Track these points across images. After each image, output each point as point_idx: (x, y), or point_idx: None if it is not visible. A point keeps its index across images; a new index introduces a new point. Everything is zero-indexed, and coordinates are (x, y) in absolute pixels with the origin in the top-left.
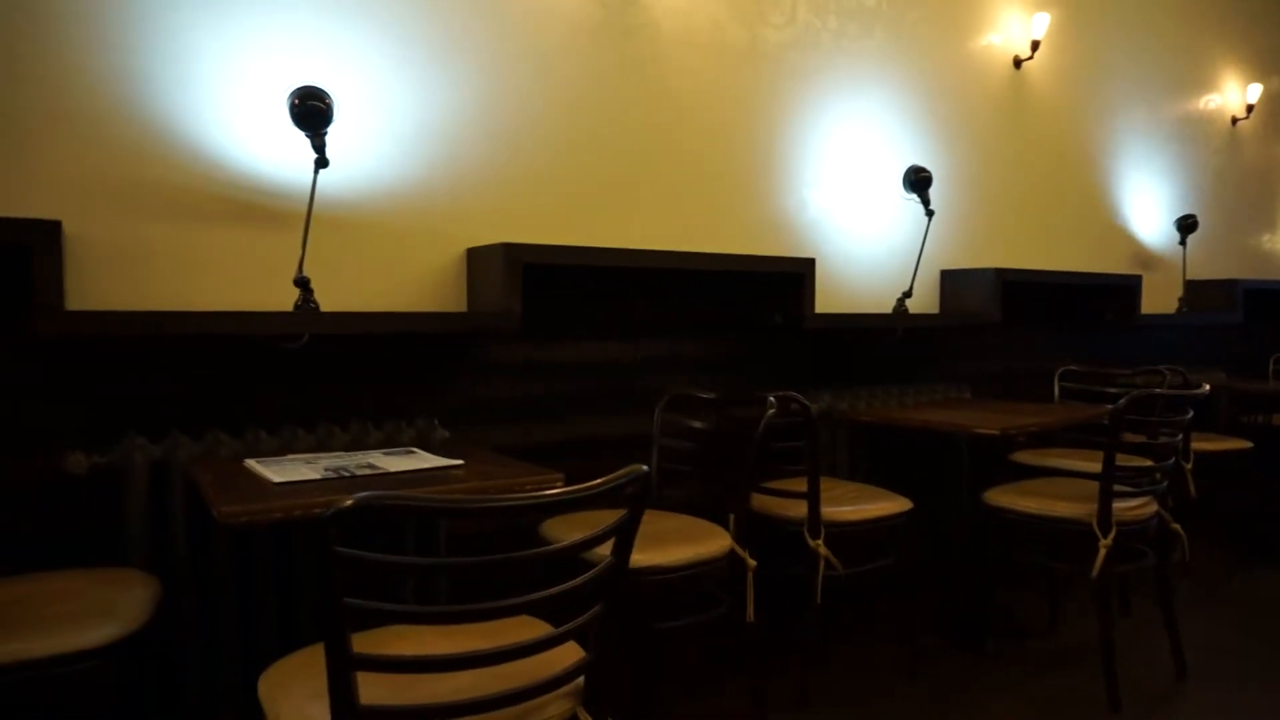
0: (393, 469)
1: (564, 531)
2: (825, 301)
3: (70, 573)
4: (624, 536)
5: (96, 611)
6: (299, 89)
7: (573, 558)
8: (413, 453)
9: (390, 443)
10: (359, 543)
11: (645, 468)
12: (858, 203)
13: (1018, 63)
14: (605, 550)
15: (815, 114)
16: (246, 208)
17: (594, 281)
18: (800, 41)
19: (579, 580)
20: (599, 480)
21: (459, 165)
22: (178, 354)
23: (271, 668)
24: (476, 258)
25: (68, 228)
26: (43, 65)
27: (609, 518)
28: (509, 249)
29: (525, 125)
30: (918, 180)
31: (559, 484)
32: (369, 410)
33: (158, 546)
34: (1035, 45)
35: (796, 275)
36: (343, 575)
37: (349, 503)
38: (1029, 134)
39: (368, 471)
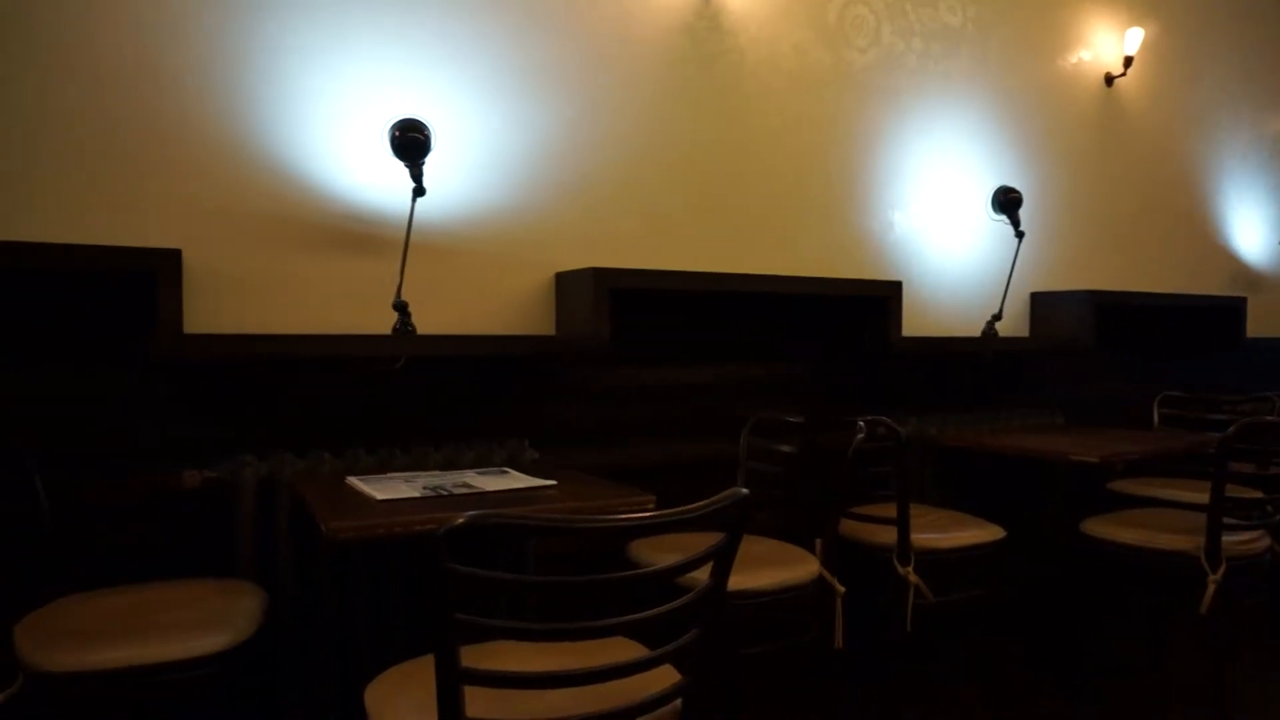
0: (489, 488)
1: (653, 553)
2: (912, 324)
3: (185, 582)
4: (723, 560)
5: (211, 620)
6: (399, 121)
7: (668, 580)
8: (506, 473)
9: (483, 462)
10: (457, 559)
11: (745, 491)
12: (945, 224)
13: (1110, 79)
14: (699, 574)
15: (901, 135)
16: (349, 236)
17: (680, 305)
18: (884, 64)
19: (680, 602)
20: (703, 502)
21: (548, 191)
22: (284, 375)
23: (377, 679)
24: (565, 282)
25: (186, 255)
26: (165, 107)
27: (696, 540)
28: (598, 273)
29: (613, 152)
30: (1007, 201)
31: (651, 505)
32: (462, 430)
33: (264, 559)
34: (1128, 61)
35: (883, 298)
36: (454, 591)
37: (461, 521)
38: (1122, 152)
39: (465, 490)
